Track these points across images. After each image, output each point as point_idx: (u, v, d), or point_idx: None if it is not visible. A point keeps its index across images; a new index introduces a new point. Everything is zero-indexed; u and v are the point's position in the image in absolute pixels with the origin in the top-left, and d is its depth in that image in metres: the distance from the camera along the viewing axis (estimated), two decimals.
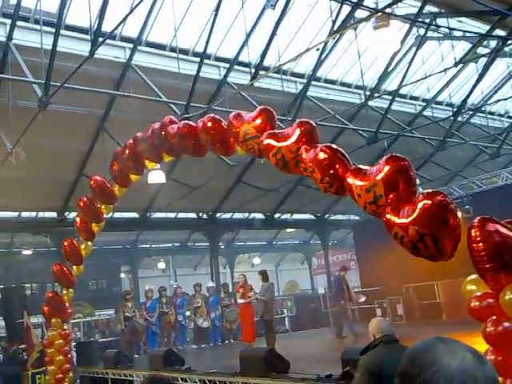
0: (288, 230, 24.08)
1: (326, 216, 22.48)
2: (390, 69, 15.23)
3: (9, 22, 10.65)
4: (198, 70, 11.78)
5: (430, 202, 4.31)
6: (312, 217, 22.64)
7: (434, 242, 4.26)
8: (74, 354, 12.25)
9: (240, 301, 11.76)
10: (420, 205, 4.35)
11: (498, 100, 17.28)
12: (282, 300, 22.73)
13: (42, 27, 9.57)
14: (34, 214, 16.76)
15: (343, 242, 28.19)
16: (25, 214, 16.69)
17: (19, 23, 10.72)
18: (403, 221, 4.44)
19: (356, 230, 20.89)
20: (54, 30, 9.45)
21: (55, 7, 10.61)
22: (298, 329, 19.84)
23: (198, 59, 12.20)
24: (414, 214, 4.35)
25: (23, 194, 14.06)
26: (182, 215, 19.68)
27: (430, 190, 4.46)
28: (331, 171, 5.30)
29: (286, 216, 21.68)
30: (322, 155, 5.40)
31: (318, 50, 12.31)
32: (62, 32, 10.25)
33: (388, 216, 4.59)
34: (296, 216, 22.22)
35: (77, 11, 11.03)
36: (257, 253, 29.08)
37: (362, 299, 14.61)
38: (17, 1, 10.20)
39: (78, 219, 10.55)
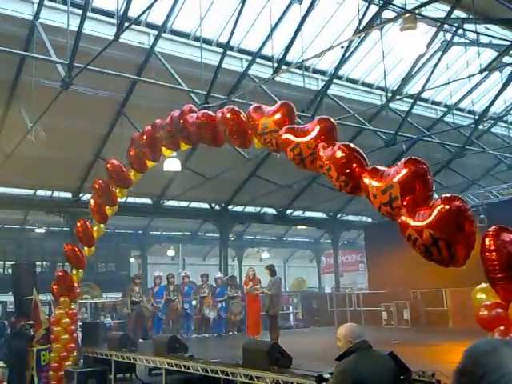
0: (299, 226, 24.03)
1: (339, 216, 22.42)
2: (413, 72, 15.09)
3: (37, 0, 10.74)
4: (221, 61, 11.79)
5: (447, 206, 4.26)
6: (324, 215, 22.61)
7: (447, 247, 4.23)
8: (80, 334, 12.38)
9: (246, 289, 11.86)
10: (437, 209, 4.30)
11: None
12: (288, 296, 22.69)
13: (69, 8, 9.63)
14: (49, 193, 16.92)
15: (353, 243, 28.11)
16: (40, 193, 16.84)
17: (46, 2, 10.80)
18: (418, 223, 4.40)
19: (368, 231, 20.80)
20: (80, 12, 9.52)
21: None
22: (302, 326, 19.85)
23: (221, 50, 12.23)
24: (430, 218, 4.31)
25: (40, 172, 14.22)
26: (194, 204, 19.75)
27: (448, 195, 4.40)
28: (347, 170, 5.28)
29: (298, 213, 21.67)
30: (339, 153, 5.38)
31: (342, 47, 12.23)
32: (89, 14, 10.31)
33: (403, 218, 4.55)
34: (308, 213, 22.19)
35: None
36: (266, 247, 29.08)
37: None
38: None
39: (92, 201, 10.65)
